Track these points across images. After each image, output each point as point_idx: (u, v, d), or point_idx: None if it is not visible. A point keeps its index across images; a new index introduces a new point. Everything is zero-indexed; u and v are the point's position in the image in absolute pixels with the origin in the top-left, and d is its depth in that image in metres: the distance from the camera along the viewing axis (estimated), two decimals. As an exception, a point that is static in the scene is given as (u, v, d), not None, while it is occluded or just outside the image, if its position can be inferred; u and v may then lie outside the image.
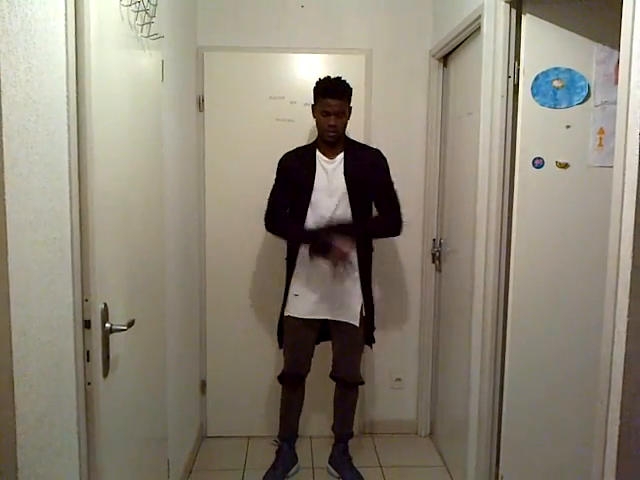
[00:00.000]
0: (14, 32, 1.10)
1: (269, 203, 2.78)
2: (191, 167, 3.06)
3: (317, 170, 2.71)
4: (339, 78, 2.68)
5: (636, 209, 1.40)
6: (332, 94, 2.64)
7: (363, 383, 3.00)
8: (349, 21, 3.21)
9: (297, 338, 2.81)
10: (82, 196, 1.42)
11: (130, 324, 1.63)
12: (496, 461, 2.51)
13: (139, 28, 1.88)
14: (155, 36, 2.02)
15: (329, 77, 2.70)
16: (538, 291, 2.31)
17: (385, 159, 2.78)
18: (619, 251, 1.46)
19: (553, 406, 2.33)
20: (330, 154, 2.73)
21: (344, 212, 2.68)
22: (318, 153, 2.75)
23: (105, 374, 1.53)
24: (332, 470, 2.99)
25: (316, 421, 3.34)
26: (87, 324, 1.45)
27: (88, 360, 1.46)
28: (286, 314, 2.79)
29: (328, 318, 2.76)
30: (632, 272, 1.41)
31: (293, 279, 2.76)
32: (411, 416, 3.48)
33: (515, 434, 2.40)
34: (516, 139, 2.29)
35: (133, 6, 1.78)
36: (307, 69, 3.19)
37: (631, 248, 1.41)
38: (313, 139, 2.89)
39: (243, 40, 3.17)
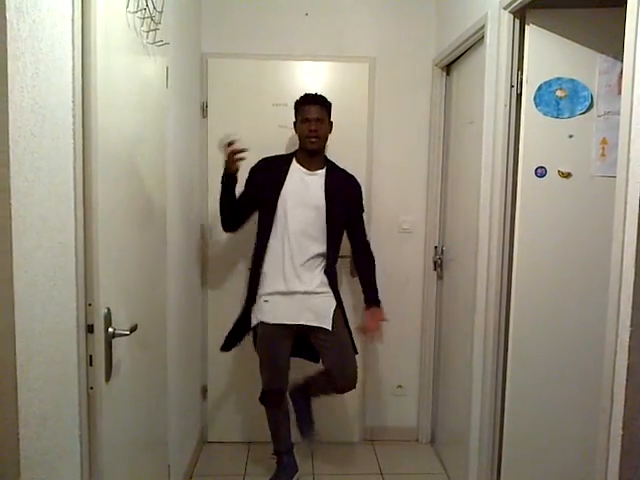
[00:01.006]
0: (22, 38, 1.11)
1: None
2: (194, 173, 3.07)
3: (291, 178, 2.70)
4: (316, 93, 2.78)
5: (639, 219, 1.40)
6: (311, 102, 2.72)
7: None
8: (353, 29, 3.23)
9: (271, 348, 2.72)
10: (87, 201, 1.42)
11: (133, 329, 1.63)
12: (497, 469, 2.51)
13: (144, 35, 1.89)
14: (160, 43, 2.03)
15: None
16: (540, 300, 2.31)
17: (360, 186, 2.84)
18: (622, 261, 1.46)
19: (555, 415, 2.33)
20: (310, 166, 2.73)
21: (319, 227, 2.68)
22: (295, 164, 2.74)
23: (107, 379, 1.53)
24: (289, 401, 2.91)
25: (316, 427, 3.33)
26: (90, 328, 1.46)
27: (91, 364, 1.46)
28: (256, 322, 2.70)
29: (300, 323, 2.66)
30: (635, 282, 1.41)
31: (262, 283, 2.70)
32: (412, 423, 3.48)
33: (517, 442, 2.40)
34: (519, 148, 2.30)
35: (139, 13, 1.79)
36: (311, 76, 3.20)
37: (634, 258, 1.41)
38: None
39: (247, 47, 3.19)
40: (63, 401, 1.35)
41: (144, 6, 1.82)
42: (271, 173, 2.73)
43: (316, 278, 2.69)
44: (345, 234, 2.83)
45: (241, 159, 2.56)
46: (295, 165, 2.74)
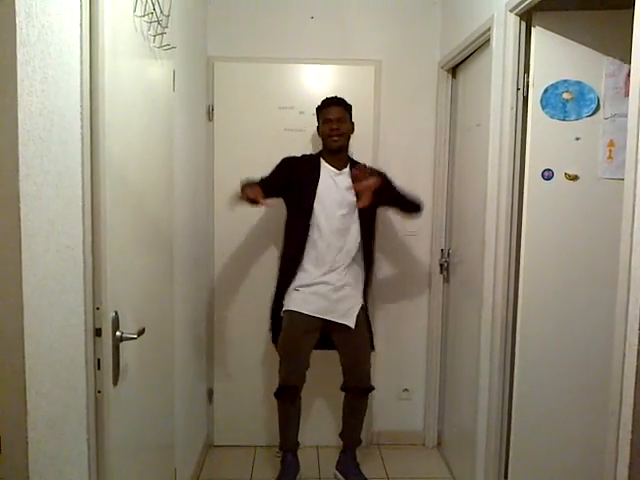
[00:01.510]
0: (31, 43, 1.12)
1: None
2: (200, 176, 3.08)
3: (322, 178, 2.79)
4: (335, 96, 2.89)
5: (647, 221, 1.39)
6: (331, 103, 2.84)
7: (374, 388, 2.98)
8: (358, 32, 3.23)
9: (296, 340, 2.79)
10: (94, 205, 1.43)
11: (140, 332, 1.63)
12: (504, 473, 2.50)
13: (151, 39, 1.89)
14: (167, 46, 2.04)
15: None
16: (547, 302, 2.30)
17: (382, 172, 2.81)
18: (630, 263, 1.45)
19: (562, 418, 2.32)
20: (337, 165, 2.82)
21: (352, 223, 2.77)
22: (324, 163, 2.83)
23: (115, 382, 1.53)
24: (339, 476, 2.98)
25: (322, 430, 3.33)
26: (98, 332, 1.46)
27: (99, 368, 1.46)
28: (286, 308, 2.79)
29: (327, 318, 2.75)
30: (643, 285, 1.40)
31: (297, 276, 2.78)
32: (419, 427, 3.47)
33: (524, 446, 2.38)
34: (525, 151, 2.29)
35: (146, 17, 1.80)
36: (316, 80, 3.21)
37: (642, 261, 1.40)
38: (321, 145, 2.93)
39: (253, 50, 3.20)
40: (71, 405, 1.35)
41: (151, 10, 1.83)
42: (304, 172, 2.80)
43: (347, 276, 2.77)
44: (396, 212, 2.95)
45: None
46: (324, 165, 2.82)
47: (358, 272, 2.83)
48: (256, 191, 2.51)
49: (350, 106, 2.87)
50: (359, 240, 2.78)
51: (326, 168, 2.82)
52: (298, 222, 2.79)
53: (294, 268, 2.80)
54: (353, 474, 2.93)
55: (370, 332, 2.89)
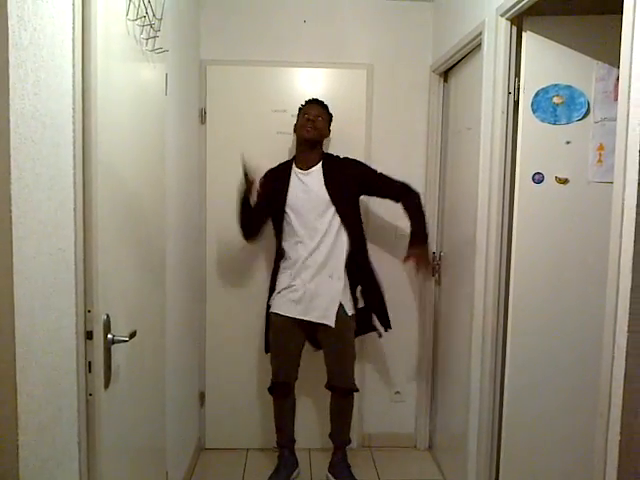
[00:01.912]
0: (24, 46, 1.12)
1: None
2: (193, 179, 3.07)
3: (292, 185, 2.82)
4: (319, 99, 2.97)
5: (636, 225, 1.41)
6: (311, 102, 2.92)
7: (357, 390, 2.99)
8: (351, 36, 3.25)
9: (282, 339, 2.87)
10: (86, 208, 1.43)
11: (132, 335, 1.63)
12: (495, 475, 2.51)
13: (144, 42, 1.90)
14: (159, 50, 2.04)
15: None
16: (538, 305, 2.31)
17: (361, 161, 2.92)
18: (619, 266, 1.46)
19: (553, 420, 2.33)
20: (305, 164, 2.85)
21: (331, 220, 2.78)
22: (294, 167, 2.87)
23: (106, 385, 1.53)
24: (331, 477, 3.00)
25: (314, 433, 3.33)
26: (89, 335, 1.46)
27: (90, 371, 1.46)
28: (270, 310, 2.86)
29: (306, 319, 2.78)
30: (632, 287, 1.42)
31: (278, 280, 2.85)
32: (410, 429, 3.47)
33: (515, 448, 2.40)
34: (516, 154, 2.31)
35: (138, 20, 1.80)
36: (309, 83, 3.22)
37: (631, 264, 1.42)
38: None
39: (245, 54, 3.20)
40: (62, 408, 1.35)
41: (144, 14, 1.83)
42: (276, 183, 2.83)
43: (326, 276, 2.79)
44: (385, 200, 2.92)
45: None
46: (294, 168, 2.86)
47: (340, 270, 2.80)
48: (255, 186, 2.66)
49: (331, 114, 2.96)
50: (342, 235, 2.79)
51: (294, 171, 2.86)
52: (278, 230, 2.88)
53: (276, 272, 2.88)
54: (344, 476, 2.95)
55: (353, 333, 2.89)
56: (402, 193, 2.83)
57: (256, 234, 2.93)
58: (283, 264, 2.85)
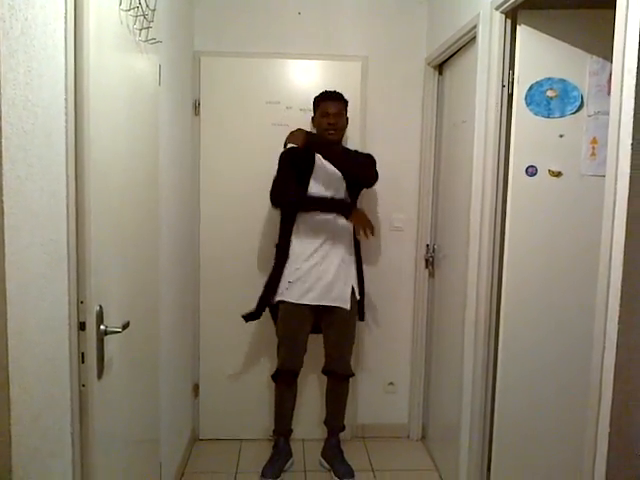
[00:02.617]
0: (15, 36, 1.11)
1: (275, 180, 2.85)
2: (186, 171, 3.07)
3: (316, 169, 2.86)
4: (335, 90, 2.94)
5: (627, 218, 1.42)
6: (330, 97, 2.90)
7: (353, 375, 3.04)
8: (345, 28, 3.24)
9: (292, 327, 2.89)
10: (79, 198, 1.42)
11: (125, 326, 1.64)
12: (487, 465, 2.53)
13: (137, 32, 1.89)
14: (153, 40, 2.03)
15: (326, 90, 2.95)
16: (530, 297, 2.33)
17: (373, 158, 2.90)
18: (610, 259, 1.47)
19: (545, 411, 2.35)
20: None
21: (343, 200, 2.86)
22: (318, 156, 2.86)
23: (99, 376, 1.53)
24: (324, 462, 3.06)
25: (308, 423, 3.34)
26: (82, 326, 1.46)
27: (83, 362, 1.46)
28: (279, 298, 2.86)
29: (321, 304, 2.83)
30: (623, 280, 1.43)
31: (288, 267, 2.85)
32: (403, 420, 3.49)
33: (507, 439, 2.42)
34: (510, 147, 2.32)
35: (132, 11, 1.79)
36: (303, 75, 3.21)
37: (622, 256, 1.43)
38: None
39: (240, 45, 3.19)
40: (55, 398, 1.35)
41: (137, 4, 1.82)
42: (300, 161, 2.86)
43: (338, 261, 2.85)
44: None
45: None
46: (317, 156, 2.86)
47: (349, 255, 2.89)
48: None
49: (347, 101, 2.95)
50: (349, 225, 2.87)
51: (319, 158, 2.85)
52: (291, 213, 2.87)
53: (286, 255, 2.87)
54: (337, 461, 3.00)
55: (361, 309, 2.98)
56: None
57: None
58: (293, 250, 2.85)
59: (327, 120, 2.85)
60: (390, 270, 3.37)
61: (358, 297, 2.92)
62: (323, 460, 3.07)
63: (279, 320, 2.92)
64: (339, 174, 2.84)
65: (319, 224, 2.82)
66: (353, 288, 2.88)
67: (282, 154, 2.88)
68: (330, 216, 2.82)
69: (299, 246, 2.84)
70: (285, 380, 2.99)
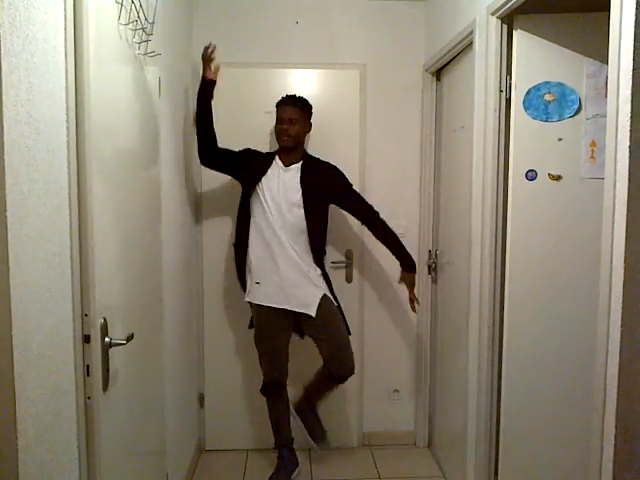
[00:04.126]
0: (16, 52, 1.12)
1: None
2: (188, 181, 3.08)
3: (270, 171, 2.86)
4: (295, 94, 2.94)
5: (627, 220, 1.42)
6: (285, 102, 2.89)
7: (353, 373, 2.92)
8: (343, 37, 3.26)
9: (266, 331, 2.87)
10: (81, 212, 1.43)
11: (129, 338, 1.64)
12: (495, 472, 2.52)
13: (137, 46, 1.90)
14: (152, 53, 2.05)
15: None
16: (533, 301, 2.33)
17: (341, 171, 2.92)
18: (611, 262, 1.48)
19: (551, 416, 2.34)
20: (286, 160, 2.88)
21: (295, 217, 2.80)
22: (276, 158, 2.91)
23: (105, 388, 1.54)
24: (295, 415, 3.00)
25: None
26: (87, 339, 1.46)
27: (88, 374, 1.47)
28: (248, 299, 2.87)
29: (288, 308, 2.79)
30: (624, 282, 1.43)
31: (251, 267, 2.86)
32: (409, 427, 3.49)
33: (513, 444, 2.41)
34: (509, 152, 2.32)
35: (131, 25, 1.81)
36: (302, 84, 3.23)
37: (623, 259, 1.43)
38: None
39: (238, 56, 3.21)
40: (61, 411, 1.35)
41: (135, 18, 1.83)
42: (257, 162, 2.90)
43: (300, 266, 2.80)
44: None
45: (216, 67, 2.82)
46: (276, 159, 2.90)
47: (310, 263, 2.83)
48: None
49: (309, 106, 2.92)
50: (306, 234, 2.81)
51: (276, 162, 2.89)
52: (244, 211, 2.90)
53: (247, 257, 2.88)
54: (313, 421, 2.98)
55: (344, 319, 2.88)
56: (371, 220, 2.90)
57: (210, 156, 2.92)
58: (251, 253, 2.85)
59: (280, 126, 2.84)
60: (392, 277, 3.36)
61: (336, 304, 2.86)
62: (295, 413, 3.00)
63: (255, 327, 2.92)
64: (298, 196, 2.79)
65: (276, 227, 2.79)
66: (326, 295, 2.81)
67: (247, 148, 2.97)
68: (292, 220, 2.78)
69: (257, 243, 2.83)
70: (273, 392, 2.96)
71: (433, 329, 3.34)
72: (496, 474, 2.51)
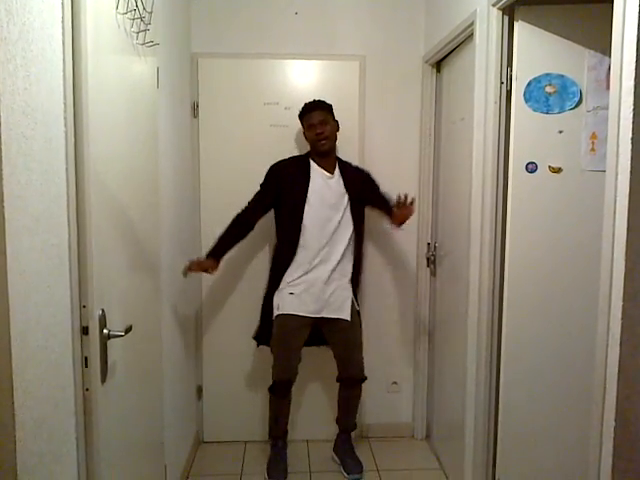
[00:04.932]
0: (13, 41, 1.11)
1: (248, 203, 2.89)
2: (186, 173, 3.07)
3: (313, 180, 2.85)
4: (314, 99, 2.94)
5: (629, 213, 1.41)
6: (312, 108, 2.89)
7: (366, 378, 3.06)
8: (343, 28, 3.23)
9: (289, 338, 2.88)
10: (79, 202, 1.42)
11: (128, 330, 1.63)
12: (493, 464, 2.52)
13: (135, 35, 1.89)
14: (150, 43, 2.03)
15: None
16: (533, 294, 2.32)
17: (367, 171, 3.03)
18: (612, 254, 1.47)
19: (549, 408, 2.34)
20: (328, 168, 2.89)
21: (343, 224, 2.85)
22: (315, 166, 2.88)
23: (103, 380, 1.53)
24: (335, 457, 3.11)
25: (312, 425, 3.35)
26: (85, 330, 1.46)
27: (86, 366, 1.46)
28: (279, 312, 2.85)
29: (321, 316, 2.84)
30: (625, 275, 1.43)
31: (287, 280, 2.85)
32: (408, 419, 3.49)
33: (511, 437, 2.41)
34: (509, 144, 2.31)
35: (129, 14, 1.79)
36: (301, 75, 3.21)
37: (624, 251, 1.42)
38: (307, 144, 2.97)
39: (237, 46, 3.19)
40: (59, 403, 1.35)
41: (134, 7, 1.82)
42: (294, 174, 2.87)
43: (336, 273, 2.85)
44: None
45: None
46: (315, 167, 2.88)
47: (347, 269, 2.90)
48: (209, 264, 2.76)
49: (330, 106, 2.92)
50: (350, 240, 2.86)
51: (317, 171, 2.87)
52: (289, 224, 2.85)
53: (284, 269, 2.86)
54: (348, 456, 3.05)
55: (360, 325, 2.99)
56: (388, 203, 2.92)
57: (251, 229, 2.91)
58: (295, 260, 2.84)
59: (315, 131, 2.84)
60: (391, 269, 3.37)
61: (358, 308, 2.95)
62: (335, 455, 3.12)
63: (276, 333, 2.89)
64: (345, 202, 2.84)
65: (325, 237, 2.82)
66: (353, 299, 2.89)
67: (272, 167, 2.90)
68: (335, 227, 2.82)
69: (304, 254, 2.83)
70: (282, 391, 2.98)
71: (432, 321, 3.34)
72: (494, 466, 2.51)
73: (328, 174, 2.87)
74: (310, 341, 2.95)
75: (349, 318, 2.84)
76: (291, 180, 2.85)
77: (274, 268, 2.94)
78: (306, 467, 3.10)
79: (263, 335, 2.97)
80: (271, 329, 2.90)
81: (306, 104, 2.91)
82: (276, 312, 2.86)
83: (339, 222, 2.83)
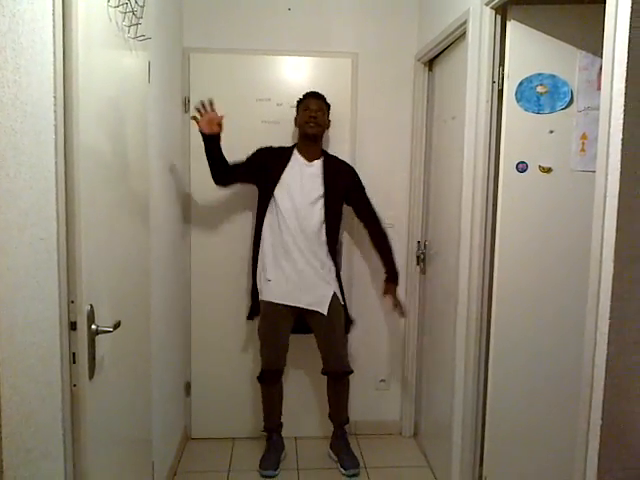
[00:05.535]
0: (2, 33, 1.10)
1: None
2: (177, 167, 3.05)
3: (290, 166, 2.90)
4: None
5: (618, 213, 1.42)
6: (314, 96, 2.96)
7: (352, 372, 3.08)
8: (335, 25, 3.23)
9: (273, 326, 2.93)
10: (69, 197, 1.41)
11: (116, 326, 1.62)
12: (480, 462, 2.54)
13: (126, 29, 1.87)
14: (142, 37, 2.01)
15: None
16: (521, 293, 2.33)
17: (354, 169, 3.05)
18: (601, 254, 1.48)
19: (536, 407, 2.36)
20: (309, 156, 2.92)
21: (316, 212, 2.87)
22: (296, 153, 2.94)
23: (91, 376, 1.52)
24: (332, 454, 3.13)
25: (300, 422, 3.35)
26: (73, 326, 1.45)
27: (74, 362, 1.45)
28: (261, 298, 2.91)
29: (299, 306, 2.87)
30: (614, 275, 1.43)
31: (264, 264, 2.90)
32: (395, 417, 3.50)
33: (499, 435, 2.43)
34: (500, 143, 2.32)
35: (120, 7, 1.78)
36: (293, 72, 3.20)
37: (613, 251, 1.43)
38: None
39: (229, 42, 3.17)
40: (46, 399, 1.34)
41: (125, 0, 1.80)
42: (274, 159, 2.92)
43: (312, 261, 2.87)
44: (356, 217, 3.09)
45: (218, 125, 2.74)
46: (296, 155, 2.93)
47: (325, 261, 2.92)
48: (218, 119, 2.72)
49: (329, 104, 2.99)
50: (323, 229, 2.89)
51: (297, 158, 2.92)
52: (262, 206, 2.93)
53: (258, 250, 2.94)
54: (344, 452, 3.07)
55: (347, 317, 3.02)
56: (373, 224, 3.02)
57: (227, 181, 2.96)
58: (267, 248, 2.89)
59: (308, 113, 2.90)
60: (381, 267, 3.36)
61: (342, 302, 2.97)
62: (331, 452, 3.15)
63: (260, 319, 2.96)
64: (320, 193, 2.87)
65: (297, 223, 2.85)
66: (335, 294, 2.92)
67: (259, 148, 2.97)
68: (310, 217, 2.85)
69: (276, 236, 2.87)
70: (270, 380, 3.02)
71: (421, 319, 3.34)
72: (481, 464, 2.52)
73: (307, 162, 2.91)
74: (297, 329, 2.99)
75: (325, 312, 2.86)
76: (271, 164, 2.91)
77: (254, 250, 2.99)
78: (294, 464, 3.10)
79: (251, 312, 3.06)
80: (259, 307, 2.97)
81: (310, 92, 2.98)
82: (260, 297, 2.93)
83: (311, 211, 2.86)
